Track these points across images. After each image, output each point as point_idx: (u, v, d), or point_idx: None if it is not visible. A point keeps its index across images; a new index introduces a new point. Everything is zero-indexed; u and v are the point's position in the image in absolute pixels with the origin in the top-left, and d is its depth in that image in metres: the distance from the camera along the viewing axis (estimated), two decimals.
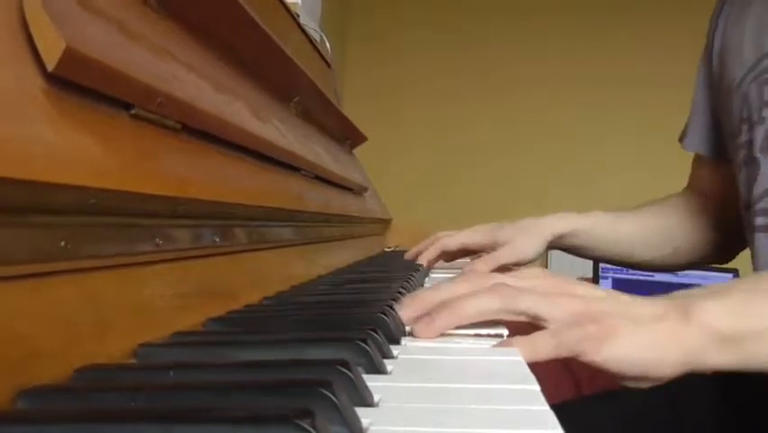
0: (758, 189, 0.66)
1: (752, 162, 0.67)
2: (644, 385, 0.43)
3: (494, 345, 0.40)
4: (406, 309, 0.44)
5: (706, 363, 0.42)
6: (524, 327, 0.41)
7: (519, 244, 0.80)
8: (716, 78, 0.77)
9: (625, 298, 0.44)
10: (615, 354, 0.40)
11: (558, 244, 0.85)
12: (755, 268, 0.67)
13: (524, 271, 0.49)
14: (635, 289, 1.73)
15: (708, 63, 0.79)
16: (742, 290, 0.44)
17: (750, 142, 0.67)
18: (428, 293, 0.45)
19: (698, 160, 0.88)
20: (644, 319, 0.41)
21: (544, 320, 0.41)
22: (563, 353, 0.40)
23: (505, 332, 0.43)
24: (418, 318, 0.43)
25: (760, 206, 0.66)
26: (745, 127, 0.68)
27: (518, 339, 0.40)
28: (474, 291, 0.43)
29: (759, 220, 0.66)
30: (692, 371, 0.42)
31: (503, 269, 0.73)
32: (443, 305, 0.42)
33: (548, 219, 0.84)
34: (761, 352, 0.41)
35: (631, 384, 0.42)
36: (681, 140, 0.86)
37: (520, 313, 0.41)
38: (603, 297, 0.43)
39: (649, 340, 0.41)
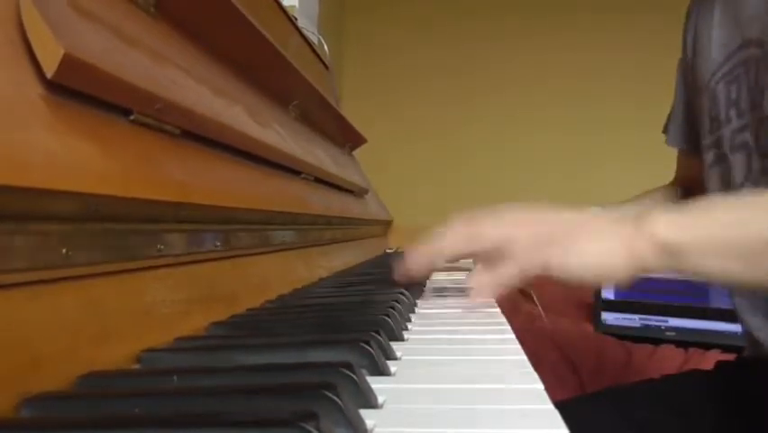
0: (733, 185, 0.67)
1: (723, 160, 0.69)
2: (603, 284, 0.51)
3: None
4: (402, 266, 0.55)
5: (648, 267, 0.48)
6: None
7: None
8: (689, 76, 0.78)
9: (582, 216, 0.51)
10: (576, 264, 0.48)
11: None
12: None
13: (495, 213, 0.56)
14: (638, 285, 1.73)
15: (684, 61, 0.81)
16: (694, 210, 0.49)
17: (719, 140, 0.69)
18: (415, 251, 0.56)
19: (681, 153, 0.89)
20: (600, 231, 0.49)
21: (510, 242, 0.49)
22: (533, 269, 0.48)
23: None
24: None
25: None
26: (714, 125, 0.70)
27: (482, 271, 0.50)
28: (446, 236, 0.53)
29: None
30: (638, 273, 0.48)
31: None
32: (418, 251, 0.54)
33: None
34: (692, 263, 0.48)
35: (592, 284, 0.50)
36: (664, 132, 0.87)
37: (488, 242, 0.50)
38: (561, 217, 0.51)
39: (604, 248, 0.48)
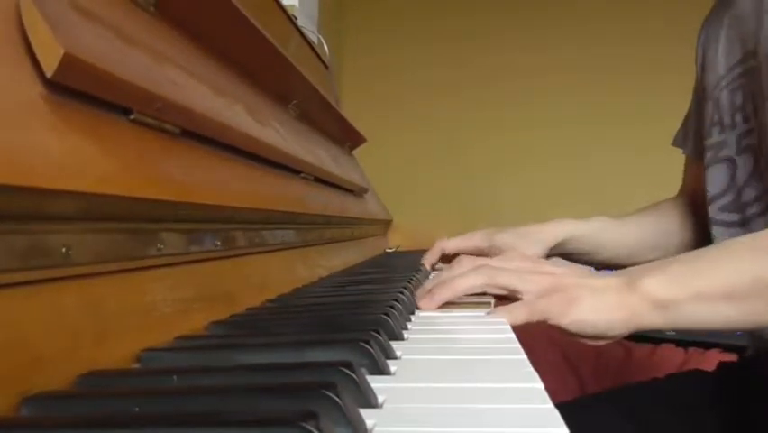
0: (736, 185, 0.70)
1: (727, 161, 0.72)
2: (601, 343, 0.54)
3: (485, 313, 0.51)
4: (419, 294, 0.56)
5: (644, 324, 0.52)
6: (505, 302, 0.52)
7: (523, 250, 0.81)
8: (698, 85, 0.81)
9: (584, 273, 0.55)
10: (576, 317, 0.51)
11: (559, 251, 0.86)
12: None
13: (505, 255, 0.62)
14: None
15: (697, 77, 0.83)
16: (677, 265, 0.54)
17: (723, 143, 0.72)
18: (431, 280, 0.59)
19: (688, 162, 0.91)
20: (599, 289, 0.52)
21: (519, 292, 0.53)
22: (536, 317, 0.51)
23: (491, 300, 0.53)
24: (422, 296, 0.55)
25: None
26: (715, 130, 0.73)
27: (500, 308, 0.51)
28: (463, 272, 0.55)
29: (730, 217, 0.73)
30: (635, 330, 0.52)
31: None
32: (440, 284, 0.55)
33: (549, 226, 0.86)
34: (682, 315, 0.52)
35: (590, 342, 0.54)
36: (674, 143, 0.90)
37: (500, 287, 0.53)
38: (567, 273, 0.54)
39: (603, 305, 0.52)
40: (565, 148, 2.81)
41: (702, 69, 0.79)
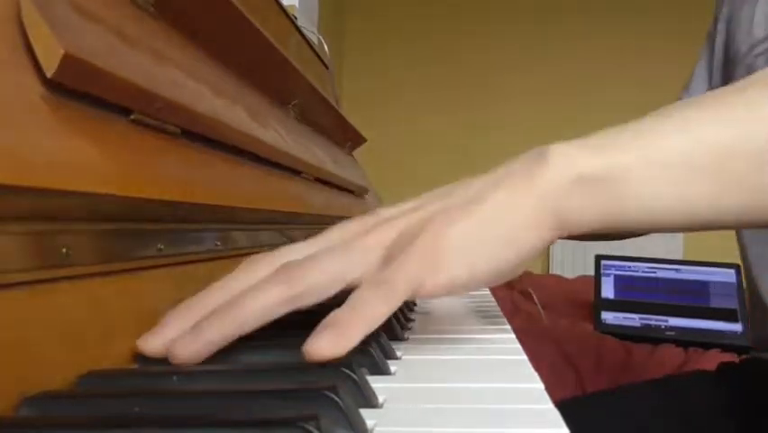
0: None
1: None
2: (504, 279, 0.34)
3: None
4: (160, 331, 0.31)
5: (570, 224, 0.32)
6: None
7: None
8: (719, 47, 0.77)
9: (443, 190, 0.35)
10: (452, 274, 0.31)
11: None
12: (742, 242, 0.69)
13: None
14: (638, 285, 1.73)
15: (712, 37, 0.79)
16: (605, 132, 0.35)
17: None
18: (197, 297, 0.33)
19: None
20: (476, 198, 0.32)
21: (353, 283, 0.31)
22: (395, 301, 0.30)
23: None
24: (180, 336, 0.30)
25: None
26: None
27: (328, 331, 0.29)
28: (254, 284, 0.32)
29: None
30: (560, 233, 0.33)
31: None
32: (215, 311, 0.31)
33: None
34: (630, 193, 0.32)
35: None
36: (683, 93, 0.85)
37: (318, 291, 0.32)
38: (412, 206, 0.34)
39: (489, 237, 0.32)
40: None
41: (728, 27, 0.74)
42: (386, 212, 0.35)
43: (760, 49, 0.68)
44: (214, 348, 0.30)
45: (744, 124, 0.32)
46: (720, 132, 0.32)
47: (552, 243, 0.33)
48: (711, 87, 0.80)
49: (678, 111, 0.34)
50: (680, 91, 0.86)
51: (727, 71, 0.74)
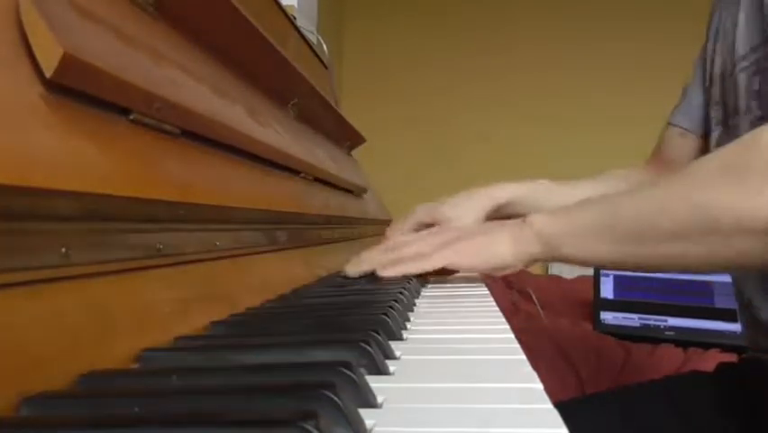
0: None
1: None
2: (507, 271, 0.63)
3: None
4: (364, 264, 0.67)
5: (530, 252, 0.61)
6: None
7: (455, 220, 0.81)
8: (708, 65, 0.78)
9: (480, 228, 0.69)
10: (472, 250, 0.62)
11: (500, 214, 0.85)
12: None
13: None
14: (637, 285, 1.73)
15: (703, 54, 0.80)
16: (571, 206, 0.60)
17: (734, 128, 0.69)
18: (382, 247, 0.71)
19: (674, 133, 0.86)
20: (494, 230, 0.64)
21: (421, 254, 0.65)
22: (439, 262, 0.63)
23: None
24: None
25: None
26: (729, 113, 0.70)
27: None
28: (426, 244, 0.66)
29: None
30: (525, 261, 0.62)
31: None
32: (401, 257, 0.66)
33: (489, 189, 0.86)
34: (564, 248, 0.59)
35: (497, 273, 0.64)
36: (671, 119, 0.86)
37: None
38: (459, 230, 0.67)
39: (495, 240, 0.62)
40: (566, 148, 2.81)
41: (715, 43, 0.76)
42: (445, 233, 0.69)
43: (741, 65, 0.69)
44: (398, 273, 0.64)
45: (627, 209, 0.56)
46: (614, 213, 0.57)
47: (515, 259, 0.63)
48: (705, 103, 0.80)
49: (605, 197, 0.59)
50: (673, 107, 0.86)
51: (716, 87, 0.75)
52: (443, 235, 0.66)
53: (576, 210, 0.60)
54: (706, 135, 0.81)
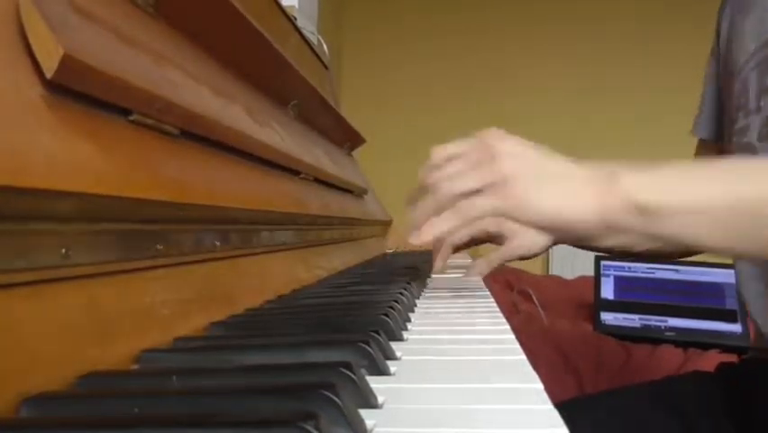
0: None
1: (748, 149, 0.67)
2: (568, 240, 0.49)
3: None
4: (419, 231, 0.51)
5: (617, 224, 0.46)
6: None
7: (523, 239, 0.80)
8: (721, 64, 0.77)
9: (549, 154, 0.49)
10: (536, 203, 0.45)
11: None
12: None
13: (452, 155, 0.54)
14: (637, 286, 1.73)
15: (716, 54, 0.79)
16: (671, 170, 0.47)
17: (745, 129, 0.68)
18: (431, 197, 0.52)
19: (701, 146, 0.87)
20: (565, 175, 0.46)
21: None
22: (487, 214, 0.47)
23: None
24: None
25: None
26: (741, 114, 0.69)
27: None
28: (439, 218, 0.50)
29: None
30: (605, 228, 0.46)
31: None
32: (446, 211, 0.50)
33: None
34: (670, 228, 0.45)
35: (561, 242, 0.49)
36: (692, 130, 0.86)
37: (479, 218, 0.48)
38: (526, 154, 0.48)
39: (569, 191, 0.46)
40: (567, 145, 2.81)
41: (727, 43, 0.75)
42: (501, 147, 0.50)
43: (752, 62, 0.68)
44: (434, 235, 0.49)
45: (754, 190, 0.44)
46: (740, 193, 0.44)
47: (593, 224, 0.46)
48: (720, 104, 0.79)
49: (720, 169, 0.47)
50: (694, 116, 0.85)
51: (728, 86, 0.74)
52: (495, 166, 0.48)
53: (685, 177, 0.46)
54: (721, 141, 0.80)
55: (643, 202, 0.45)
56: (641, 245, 0.47)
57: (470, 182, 0.47)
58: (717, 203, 0.44)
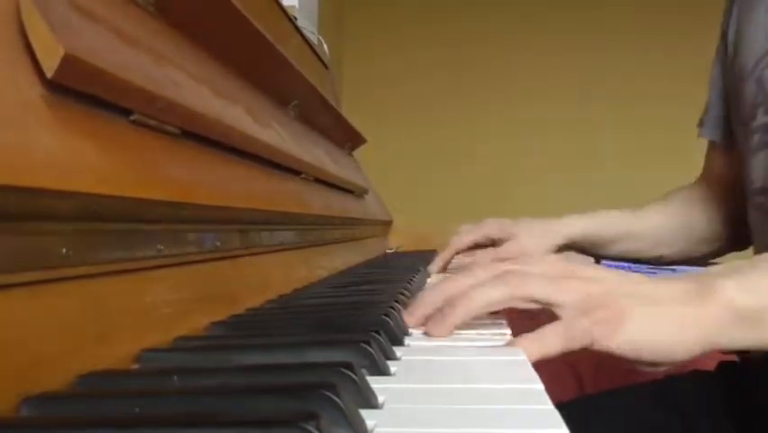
0: None
1: None
2: (661, 369, 0.41)
3: (502, 345, 0.39)
4: (415, 311, 0.44)
5: (724, 342, 0.40)
6: (527, 324, 0.40)
7: (524, 242, 0.79)
8: (729, 66, 0.77)
9: (637, 277, 0.42)
10: (628, 337, 0.38)
11: (573, 247, 0.84)
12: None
13: (531, 258, 0.48)
14: None
15: (722, 55, 0.79)
16: (760, 266, 0.42)
17: (766, 126, 0.67)
18: (433, 292, 0.44)
19: (711, 148, 0.87)
20: (658, 300, 0.40)
21: (554, 305, 0.40)
22: (575, 344, 0.38)
23: (507, 331, 0.43)
24: (429, 317, 0.43)
25: None
26: (760, 111, 0.68)
27: (526, 337, 0.38)
28: (480, 282, 0.41)
29: None
30: (710, 350, 0.40)
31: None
32: (450, 300, 0.41)
33: (558, 224, 0.82)
34: None
35: (647, 369, 0.41)
36: (699, 125, 0.86)
37: (529, 299, 0.40)
38: (613, 278, 0.41)
39: (664, 320, 0.39)
40: (566, 151, 2.81)
41: (735, 45, 0.74)
42: (583, 271, 0.42)
43: (765, 61, 0.67)
44: (454, 328, 0.41)
45: None
46: None
47: (694, 352, 0.40)
48: (727, 106, 0.79)
49: None
50: (701, 115, 0.85)
51: (736, 89, 0.73)
52: (575, 287, 0.40)
53: None
54: (729, 142, 0.80)
55: (745, 307, 0.40)
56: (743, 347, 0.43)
57: (567, 294, 0.40)
58: None
